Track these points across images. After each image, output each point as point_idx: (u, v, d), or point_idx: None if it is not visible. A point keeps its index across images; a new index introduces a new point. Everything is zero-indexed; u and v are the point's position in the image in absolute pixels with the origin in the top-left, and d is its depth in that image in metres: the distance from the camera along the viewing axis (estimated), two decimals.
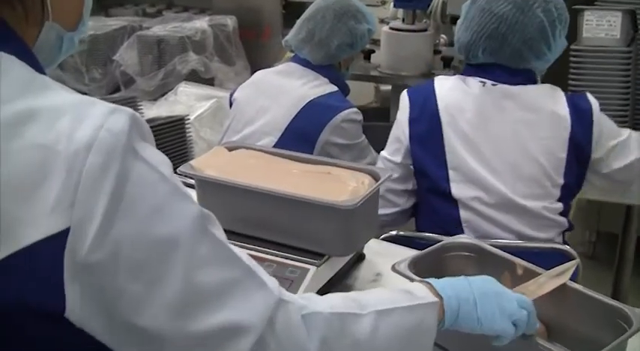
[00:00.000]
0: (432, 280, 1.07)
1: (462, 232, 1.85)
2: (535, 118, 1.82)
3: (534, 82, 1.89)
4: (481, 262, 1.40)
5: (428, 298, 1.01)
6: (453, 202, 1.86)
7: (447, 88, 1.90)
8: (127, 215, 0.74)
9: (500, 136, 1.83)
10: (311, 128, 2.15)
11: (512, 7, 1.80)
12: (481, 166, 1.83)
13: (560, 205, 1.86)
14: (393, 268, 1.31)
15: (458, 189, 1.85)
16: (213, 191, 1.50)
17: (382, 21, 3.33)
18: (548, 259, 1.78)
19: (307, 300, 0.92)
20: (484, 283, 1.08)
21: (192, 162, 1.53)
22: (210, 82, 4.05)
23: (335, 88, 2.23)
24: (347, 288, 1.51)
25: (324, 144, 2.13)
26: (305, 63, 2.30)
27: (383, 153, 1.99)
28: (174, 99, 3.26)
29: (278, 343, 0.83)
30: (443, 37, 3.23)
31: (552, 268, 1.74)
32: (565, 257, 1.80)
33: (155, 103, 3.27)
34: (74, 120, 0.74)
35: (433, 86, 1.91)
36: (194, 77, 3.92)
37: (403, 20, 2.89)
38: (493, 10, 1.82)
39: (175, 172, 0.84)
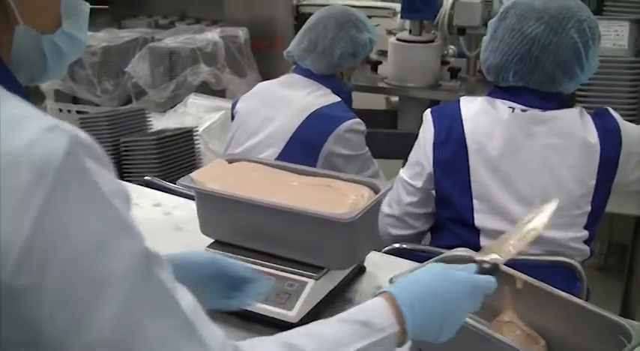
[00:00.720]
0: (395, 290, 1.00)
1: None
2: (565, 145, 1.76)
3: (564, 105, 1.82)
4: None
5: (387, 329, 0.93)
6: (475, 231, 1.83)
7: (474, 112, 1.83)
8: (57, 242, 0.66)
9: (530, 164, 1.77)
10: (315, 138, 2.15)
11: (545, 28, 1.72)
12: (508, 196, 1.78)
13: (585, 234, 1.81)
14: (391, 282, 1.29)
15: (482, 220, 1.81)
16: (213, 204, 1.50)
17: (390, 32, 3.32)
18: (551, 272, 1.76)
19: None
20: (448, 287, 1.01)
21: (192, 174, 1.52)
22: (221, 93, 4.06)
23: (338, 99, 2.23)
24: (347, 301, 1.50)
25: (327, 154, 2.12)
26: (308, 73, 2.30)
27: (402, 175, 1.93)
28: (183, 110, 3.27)
29: None
30: (451, 48, 3.21)
31: (555, 282, 1.73)
32: (570, 271, 1.77)
33: (164, 115, 3.28)
34: (8, 134, 0.67)
35: (459, 108, 1.85)
36: (205, 89, 3.93)
37: (410, 31, 2.88)
38: (525, 31, 1.74)
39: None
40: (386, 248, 1.82)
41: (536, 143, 1.77)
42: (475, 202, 1.80)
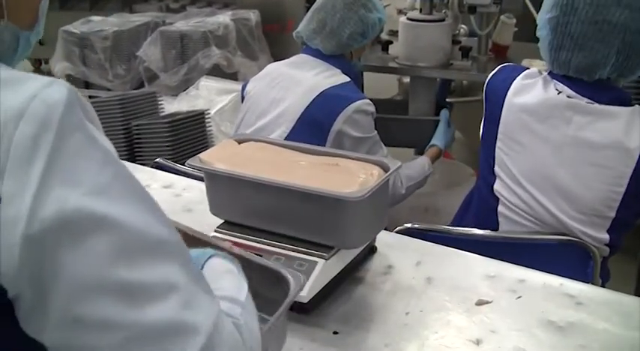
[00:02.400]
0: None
1: (497, 222, 1.84)
2: (599, 143, 1.68)
3: (623, 102, 1.72)
4: None
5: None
6: (494, 197, 1.83)
7: (525, 84, 1.79)
8: (66, 189, 0.69)
9: (556, 150, 1.73)
10: (323, 118, 2.13)
11: (631, 12, 1.61)
12: (518, 170, 1.78)
13: (606, 237, 1.74)
14: None
15: (500, 186, 1.82)
16: (221, 184, 1.48)
17: (400, 11, 3.29)
18: (564, 252, 1.75)
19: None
20: None
21: (200, 155, 1.51)
22: (233, 76, 4.05)
23: (347, 79, 2.21)
24: (358, 281, 1.48)
25: (336, 134, 2.10)
26: (317, 54, 2.28)
27: None
28: (195, 93, 3.26)
29: (224, 344, 0.77)
30: (463, 27, 3.17)
31: (569, 262, 1.71)
32: (584, 252, 1.74)
33: (176, 98, 3.27)
34: (8, 92, 0.69)
35: (516, 77, 1.81)
36: (217, 72, 3.92)
37: (421, 10, 2.85)
38: (611, 21, 1.62)
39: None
40: (397, 228, 1.80)
41: (570, 132, 1.72)
42: (496, 168, 1.80)
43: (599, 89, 1.72)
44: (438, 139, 2.56)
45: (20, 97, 0.68)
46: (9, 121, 0.68)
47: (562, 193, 1.72)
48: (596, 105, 1.70)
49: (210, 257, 0.98)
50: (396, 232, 1.76)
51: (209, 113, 3.00)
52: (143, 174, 2.02)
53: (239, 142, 1.58)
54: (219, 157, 1.51)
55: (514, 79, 1.80)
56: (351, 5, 2.24)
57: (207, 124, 2.97)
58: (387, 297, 1.43)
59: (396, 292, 1.44)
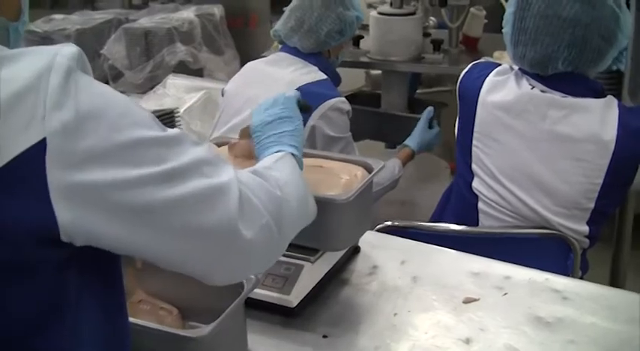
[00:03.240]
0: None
1: (477, 219, 1.83)
2: (575, 136, 1.68)
3: (596, 94, 1.72)
4: None
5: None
6: (473, 194, 1.83)
7: (498, 81, 1.78)
8: (98, 122, 0.81)
9: (533, 145, 1.73)
10: None
11: (582, 5, 1.62)
12: (497, 168, 1.78)
13: (586, 229, 1.74)
14: None
15: (478, 183, 1.81)
16: None
17: (370, 5, 3.27)
18: (543, 245, 1.75)
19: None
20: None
21: None
22: (199, 72, 3.99)
23: (324, 77, 2.19)
24: (343, 282, 1.48)
25: (310, 131, 2.08)
26: (294, 52, 2.26)
27: None
28: (162, 92, 3.20)
29: (251, 189, 0.98)
30: (432, 19, 3.17)
31: (548, 255, 1.72)
32: (563, 244, 1.75)
33: (143, 97, 3.20)
34: (33, 56, 0.82)
35: (488, 74, 1.80)
36: (183, 68, 3.86)
37: (391, 4, 2.83)
38: (561, 15, 1.63)
39: None
40: (378, 226, 1.79)
41: (546, 127, 1.71)
42: (474, 166, 1.80)
43: (571, 82, 1.72)
44: (412, 140, 2.46)
45: (45, 58, 0.81)
46: (41, 75, 0.80)
47: (541, 187, 1.73)
48: (570, 98, 1.70)
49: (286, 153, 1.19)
50: (377, 231, 1.75)
51: (178, 112, 2.95)
52: None
53: (219, 145, 1.55)
54: None
55: (486, 77, 1.79)
56: (329, 3, 2.21)
57: (177, 123, 2.92)
58: (374, 298, 1.43)
59: (382, 292, 1.44)
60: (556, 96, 1.71)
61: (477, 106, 1.78)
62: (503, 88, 1.76)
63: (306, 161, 1.46)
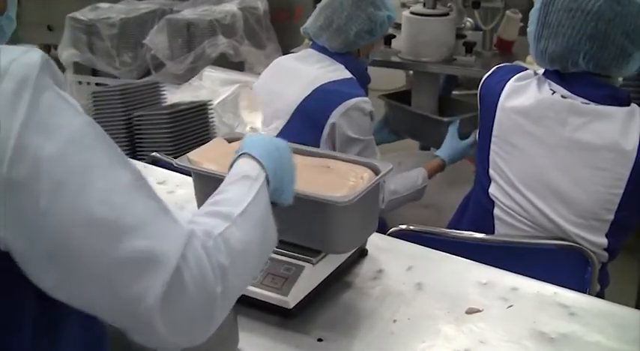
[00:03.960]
0: (246, 148, 1.11)
1: (493, 225, 1.79)
2: (595, 144, 1.63)
3: (621, 102, 1.66)
4: None
5: (259, 178, 1.05)
6: (490, 200, 1.78)
7: (519, 85, 1.73)
8: (44, 137, 0.76)
9: (551, 153, 1.68)
10: (319, 112, 2.08)
11: (605, 1, 1.59)
12: (515, 175, 1.73)
13: (604, 242, 1.69)
14: None
15: (495, 189, 1.77)
16: (209, 184, 1.43)
17: (404, 5, 3.22)
18: (562, 257, 1.69)
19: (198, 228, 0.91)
20: (286, 153, 1.15)
21: (189, 154, 1.47)
22: (240, 66, 4.00)
23: (349, 75, 2.16)
24: (347, 285, 1.45)
25: (330, 130, 2.06)
26: (323, 50, 2.23)
27: None
28: (198, 84, 3.21)
29: (191, 276, 0.82)
30: (469, 21, 3.11)
31: (566, 267, 1.66)
32: (582, 256, 1.69)
33: (179, 88, 3.22)
34: None
35: (509, 78, 1.76)
36: (224, 61, 3.87)
37: (424, 4, 2.78)
38: (585, 8, 1.60)
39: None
40: (390, 230, 1.75)
41: (566, 134, 1.66)
42: (491, 171, 1.76)
43: (594, 86, 1.66)
44: (443, 151, 2.43)
45: (2, 61, 0.77)
46: None
47: (558, 196, 1.67)
48: (592, 105, 1.65)
49: (241, 155, 1.10)
50: (389, 235, 1.71)
51: (212, 104, 2.95)
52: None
53: (229, 141, 1.53)
54: (208, 156, 1.47)
55: (507, 81, 1.75)
56: (359, 3, 2.17)
57: (210, 116, 2.92)
58: (376, 303, 1.39)
59: (384, 297, 1.41)
60: (577, 102, 1.66)
61: (496, 110, 1.73)
62: (523, 93, 1.71)
63: (315, 161, 1.45)
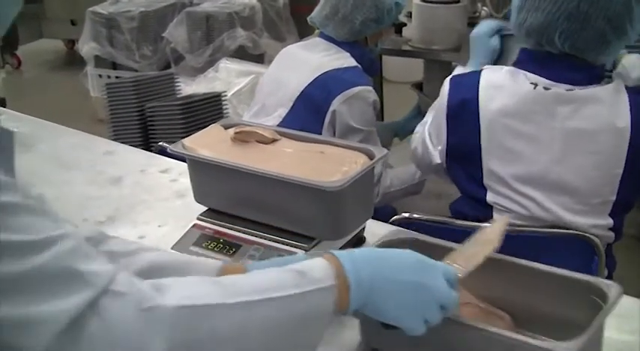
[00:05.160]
0: (342, 254, 0.92)
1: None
2: (590, 129, 1.59)
3: (599, 80, 1.64)
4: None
5: (323, 281, 0.86)
6: (489, 207, 1.72)
7: (494, 85, 1.67)
8: None
9: (548, 147, 1.62)
10: (321, 99, 2.06)
11: None
12: (521, 181, 1.66)
13: (609, 222, 1.66)
14: None
15: (495, 198, 1.70)
16: (203, 171, 1.43)
17: None
18: (567, 246, 1.65)
19: (158, 289, 0.77)
20: (405, 268, 0.92)
21: (184, 140, 1.46)
22: (259, 58, 3.98)
23: (355, 64, 2.13)
24: None
25: (331, 116, 2.03)
26: (330, 39, 2.20)
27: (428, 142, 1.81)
28: (213, 75, 3.20)
29: (107, 340, 0.72)
30: (484, 9, 3.04)
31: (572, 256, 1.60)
32: (587, 245, 1.64)
33: (195, 80, 3.21)
34: None
35: (478, 80, 1.69)
36: (243, 53, 3.86)
37: None
38: None
39: None
40: (393, 218, 1.71)
41: (557, 125, 1.61)
42: (485, 180, 1.69)
43: (573, 70, 1.62)
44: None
45: None
46: None
47: (561, 188, 1.63)
48: (576, 90, 1.60)
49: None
50: (391, 223, 1.67)
51: (226, 95, 2.93)
52: (143, 160, 1.98)
53: (226, 128, 1.51)
54: (203, 143, 1.46)
55: (478, 84, 1.68)
56: None
57: (224, 107, 2.90)
58: None
59: None
60: (561, 90, 1.61)
61: (479, 119, 1.66)
62: (501, 91, 1.65)
63: (309, 147, 1.42)
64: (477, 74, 1.72)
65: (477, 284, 1.15)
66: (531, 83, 1.63)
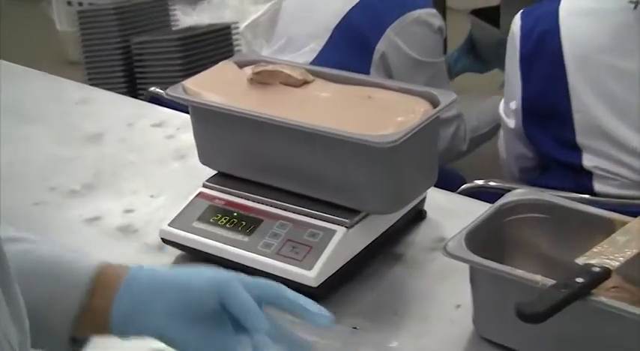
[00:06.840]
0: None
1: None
2: None
3: None
4: (559, 224, 1.26)
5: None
6: (587, 174, 1.76)
7: (578, 11, 1.71)
8: None
9: None
10: (369, 29, 2.08)
11: None
12: (625, 126, 1.69)
13: None
14: (444, 250, 1.19)
15: (592, 160, 1.74)
16: (210, 122, 1.45)
17: None
18: None
19: None
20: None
21: (185, 82, 1.47)
22: None
23: None
24: (394, 258, 1.43)
25: (383, 53, 2.03)
26: None
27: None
28: (220, 2, 3.19)
29: None
30: None
31: None
32: None
33: (196, 7, 3.21)
34: None
35: (557, 9, 1.73)
36: None
37: None
38: None
39: None
40: (462, 187, 1.74)
41: None
42: (579, 138, 1.72)
43: None
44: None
45: None
46: None
47: None
48: None
49: None
50: (460, 192, 1.70)
51: (237, 27, 2.94)
52: (131, 109, 1.99)
53: (240, 66, 1.52)
54: (211, 85, 1.47)
55: (557, 12, 1.71)
56: None
57: (235, 42, 2.92)
58: (433, 283, 1.38)
59: (445, 276, 1.38)
60: None
61: (563, 58, 1.69)
62: (589, 17, 1.69)
63: (353, 90, 1.41)
64: (554, 3, 1.74)
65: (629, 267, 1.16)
66: (630, 2, 1.63)
